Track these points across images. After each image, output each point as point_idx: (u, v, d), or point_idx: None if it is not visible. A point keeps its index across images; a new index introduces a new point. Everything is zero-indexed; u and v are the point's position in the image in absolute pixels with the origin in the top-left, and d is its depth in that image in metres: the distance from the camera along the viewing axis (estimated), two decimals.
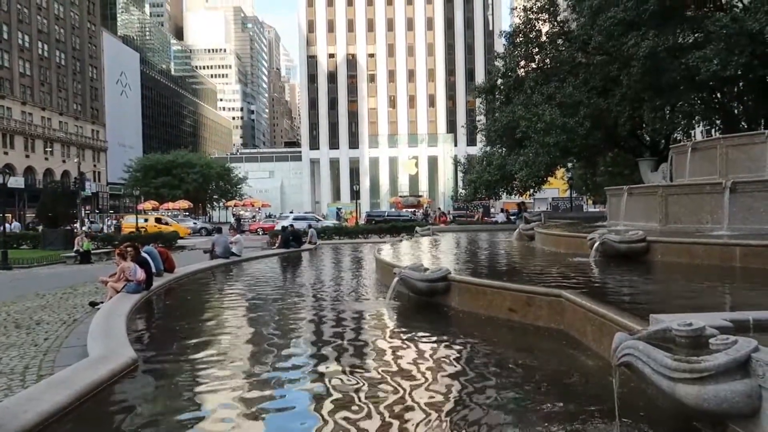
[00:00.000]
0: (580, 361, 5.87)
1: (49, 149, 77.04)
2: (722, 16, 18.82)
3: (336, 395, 5.10)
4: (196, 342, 7.46)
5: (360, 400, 4.93)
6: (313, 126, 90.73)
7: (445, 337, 7.21)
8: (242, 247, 20.42)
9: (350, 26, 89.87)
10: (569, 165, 35.97)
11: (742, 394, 3.26)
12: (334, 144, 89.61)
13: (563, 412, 4.51)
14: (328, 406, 4.86)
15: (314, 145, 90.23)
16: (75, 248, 23.99)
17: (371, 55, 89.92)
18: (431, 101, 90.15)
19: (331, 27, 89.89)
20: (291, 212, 70.67)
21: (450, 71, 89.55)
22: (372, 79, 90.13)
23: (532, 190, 30.97)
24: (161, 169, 76.84)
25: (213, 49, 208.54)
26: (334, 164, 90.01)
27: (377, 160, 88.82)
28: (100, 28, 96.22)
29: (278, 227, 33.51)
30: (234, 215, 64.69)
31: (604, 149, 28.37)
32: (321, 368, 5.99)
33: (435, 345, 6.90)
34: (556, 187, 57.20)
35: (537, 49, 27.71)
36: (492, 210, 60.40)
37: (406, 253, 15.57)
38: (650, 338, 3.84)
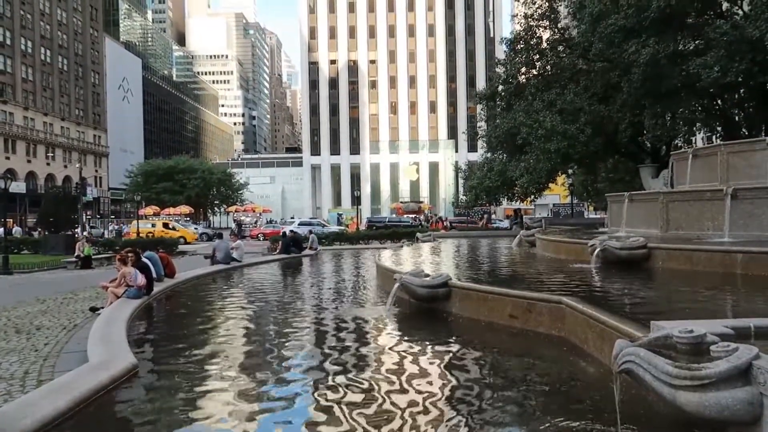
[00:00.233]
0: (581, 368, 5.85)
1: (50, 154, 77.22)
2: (722, 23, 18.87)
3: (336, 402, 5.08)
4: (197, 348, 7.45)
5: (360, 407, 4.92)
6: (315, 132, 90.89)
7: (445, 344, 7.20)
8: (243, 252, 20.43)
9: (352, 32, 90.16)
10: (570, 171, 35.99)
11: (743, 402, 3.26)
12: (335, 150, 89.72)
13: (564, 420, 4.49)
14: (328, 413, 4.84)
15: (315, 150, 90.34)
16: (76, 253, 24.03)
17: (372, 62, 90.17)
18: (432, 107, 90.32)
19: (332, 33, 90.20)
20: (292, 218, 70.73)
21: (451, 77, 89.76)
22: (373, 85, 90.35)
23: (532, 197, 30.98)
24: (162, 175, 76.96)
25: (215, 55, 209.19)
26: (335, 170, 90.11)
27: (378, 166, 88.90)
28: (103, 34, 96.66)
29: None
30: (235, 221, 64.74)
31: (605, 156, 28.40)
32: (321, 375, 5.97)
33: (435, 351, 6.88)
34: (557, 193, 57.26)
35: (538, 56, 27.80)
36: (493, 216, 60.35)
37: (407, 259, 15.56)
38: (651, 345, 3.83)
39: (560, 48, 27.14)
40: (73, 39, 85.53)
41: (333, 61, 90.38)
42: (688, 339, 3.65)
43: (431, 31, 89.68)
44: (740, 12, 21.14)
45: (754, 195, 10.65)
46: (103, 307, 10.48)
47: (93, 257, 24.51)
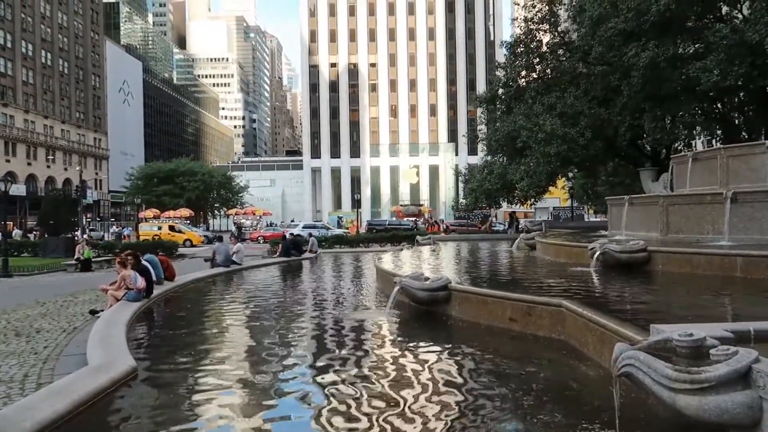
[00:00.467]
0: (581, 371, 5.85)
1: (51, 157, 77.28)
2: (722, 27, 18.90)
3: (336, 406, 5.08)
4: (196, 351, 7.45)
5: (360, 410, 4.92)
6: (315, 135, 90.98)
7: (445, 347, 7.20)
8: (243, 255, 20.42)
9: (352, 36, 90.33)
10: (570, 175, 36.01)
11: (742, 405, 3.25)
12: (335, 153, 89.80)
13: (564, 423, 4.49)
14: (327, 416, 4.84)
15: (315, 153, 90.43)
16: (75, 256, 24.00)
17: (373, 65, 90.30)
18: (432, 111, 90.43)
19: (333, 37, 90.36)
20: (293, 220, 70.76)
21: (451, 81, 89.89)
22: (373, 88, 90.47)
23: (533, 200, 30.98)
24: (163, 178, 76.99)
25: (215, 58, 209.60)
26: (336, 173, 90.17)
27: (378, 169, 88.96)
28: (104, 37, 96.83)
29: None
30: (235, 223, 64.74)
31: (605, 159, 28.40)
32: (321, 378, 5.97)
33: (435, 355, 6.88)
34: (557, 196, 57.24)
35: (538, 60, 27.82)
36: (494, 219, 60.35)
37: (407, 262, 15.56)
38: (651, 348, 3.83)
39: (560, 51, 27.17)
40: (74, 42, 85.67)
41: (333, 64, 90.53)
42: (687, 342, 3.65)
43: (431, 34, 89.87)
44: (740, 16, 21.18)
45: (754, 198, 10.65)
46: (102, 310, 10.48)
47: (93, 260, 24.49)
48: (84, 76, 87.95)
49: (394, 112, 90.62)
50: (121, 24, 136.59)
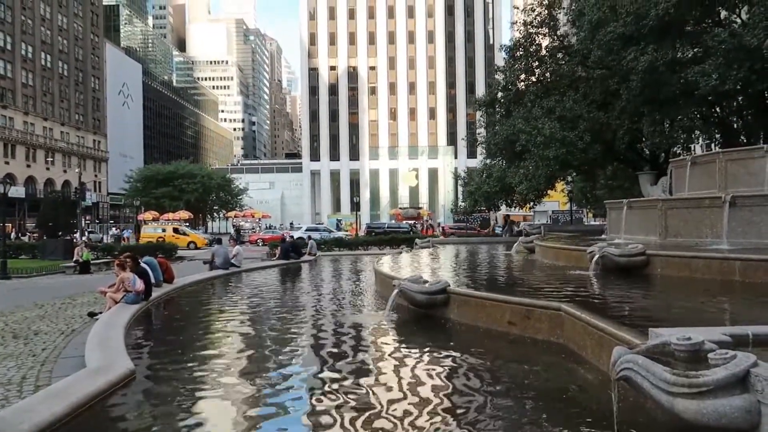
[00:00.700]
0: (580, 375, 5.85)
1: (50, 159, 77.25)
2: (721, 32, 18.95)
3: (333, 408, 5.07)
4: (195, 353, 7.44)
5: (357, 414, 4.91)
6: (314, 137, 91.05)
7: (443, 350, 7.18)
8: (242, 258, 20.41)
9: (351, 39, 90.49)
10: (569, 178, 36.04)
11: (740, 409, 3.26)
12: (334, 156, 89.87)
13: (562, 426, 4.48)
14: (324, 419, 4.83)
15: (315, 156, 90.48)
16: (74, 258, 23.98)
17: (372, 68, 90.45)
18: (432, 114, 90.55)
19: (332, 40, 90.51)
20: (291, 223, 70.72)
21: (450, 84, 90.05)
22: (373, 91, 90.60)
23: (531, 203, 31.01)
24: (162, 180, 76.99)
25: (215, 61, 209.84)
26: (335, 176, 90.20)
27: (377, 171, 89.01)
28: (103, 39, 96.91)
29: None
30: (234, 226, 64.71)
31: (604, 163, 28.43)
32: (319, 381, 5.96)
33: (433, 358, 6.87)
34: (557, 199, 57.29)
35: (537, 63, 27.87)
36: (493, 222, 60.36)
37: (406, 265, 15.56)
38: (649, 352, 3.84)
39: (559, 55, 27.22)
40: (74, 44, 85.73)
41: (333, 67, 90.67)
42: (686, 346, 3.65)
43: (431, 37, 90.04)
44: (738, 20, 21.23)
45: (753, 203, 10.67)
46: (101, 312, 10.46)
47: (92, 262, 24.48)
48: (84, 79, 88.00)
49: (393, 115, 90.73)
50: (121, 26, 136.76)
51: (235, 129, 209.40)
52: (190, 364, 6.79)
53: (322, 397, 5.40)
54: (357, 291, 14.40)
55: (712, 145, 25.02)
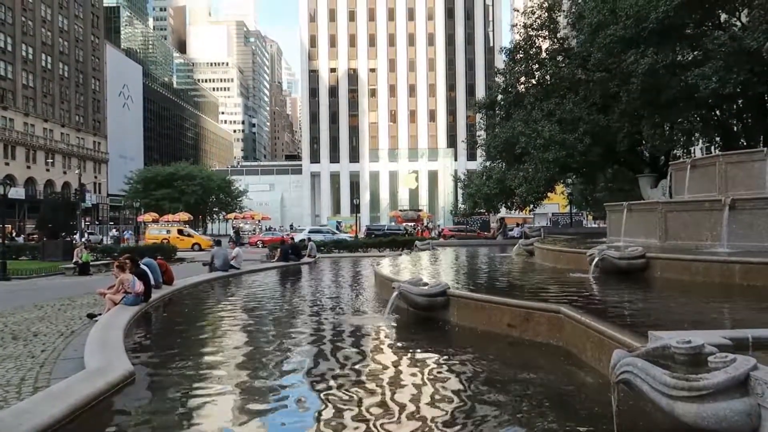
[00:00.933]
0: (579, 378, 5.84)
1: (50, 160, 77.25)
2: (721, 35, 18.99)
3: (332, 411, 5.07)
4: (194, 355, 7.43)
5: (356, 416, 4.90)
6: (314, 139, 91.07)
7: (443, 353, 7.18)
8: (242, 260, 20.40)
9: (352, 41, 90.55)
10: (569, 181, 36.04)
11: (741, 413, 3.25)
12: (334, 158, 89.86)
13: (561, 429, 4.48)
14: (323, 421, 4.83)
15: (315, 158, 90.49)
16: (74, 259, 23.97)
17: (372, 70, 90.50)
18: (432, 116, 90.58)
19: (332, 42, 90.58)
20: (291, 225, 70.71)
21: (450, 86, 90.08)
22: (373, 93, 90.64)
23: (531, 206, 31.01)
24: (162, 181, 76.95)
25: (215, 63, 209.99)
26: (335, 178, 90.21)
27: (377, 174, 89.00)
28: (104, 41, 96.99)
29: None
30: (233, 228, 64.68)
31: (604, 165, 28.47)
32: (317, 383, 5.96)
33: (433, 360, 6.86)
34: (557, 202, 57.29)
35: (537, 66, 27.92)
36: (492, 225, 60.31)
37: (406, 267, 15.55)
38: (649, 355, 3.83)
39: (559, 58, 27.26)
40: (74, 46, 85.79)
41: (333, 70, 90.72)
42: (686, 349, 3.64)
43: (431, 40, 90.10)
44: (738, 23, 21.26)
45: (753, 206, 10.67)
46: (100, 314, 10.45)
47: (91, 263, 24.46)
48: (84, 80, 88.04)
49: (393, 117, 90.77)
50: (122, 28, 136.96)
51: (235, 131, 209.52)
52: (189, 366, 6.78)
53: (321, 398, 5.39)
54: (356, 293, 14.40)
55: (712, 147, 25.04)
